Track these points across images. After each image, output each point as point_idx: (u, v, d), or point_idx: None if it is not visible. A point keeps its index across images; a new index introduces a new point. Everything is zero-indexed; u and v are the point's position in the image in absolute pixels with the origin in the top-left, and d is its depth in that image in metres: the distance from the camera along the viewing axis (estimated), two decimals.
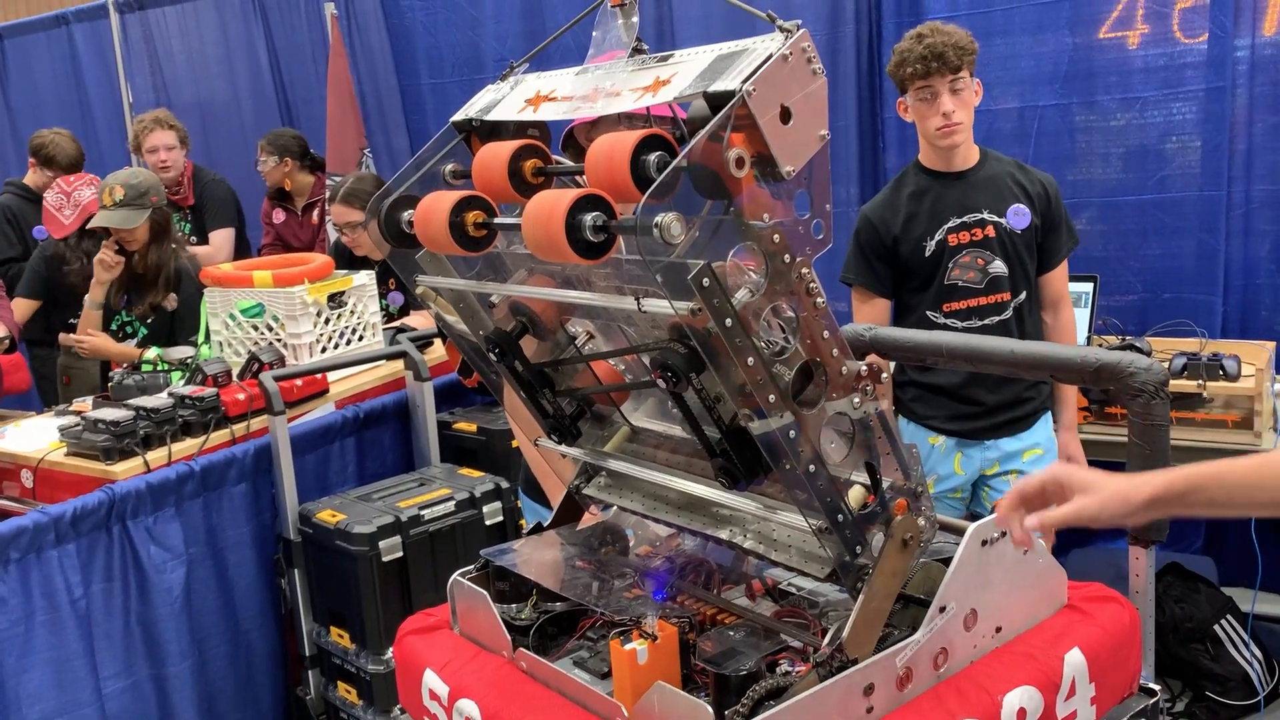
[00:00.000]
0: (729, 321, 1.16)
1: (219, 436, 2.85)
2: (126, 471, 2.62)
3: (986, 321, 2.63)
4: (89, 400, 3.09)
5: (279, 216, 4.96)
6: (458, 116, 1.54)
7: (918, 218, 2.59)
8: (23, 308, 4.01)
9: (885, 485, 1.38)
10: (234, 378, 2.97)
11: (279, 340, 3.19)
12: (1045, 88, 3.64)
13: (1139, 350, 2.94)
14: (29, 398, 4.39)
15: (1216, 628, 3.06)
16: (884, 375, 1.32)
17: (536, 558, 1.69)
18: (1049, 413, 2.73)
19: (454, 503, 2.81)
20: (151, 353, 3.20)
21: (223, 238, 4.73)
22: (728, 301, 1.16)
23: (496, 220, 1.36)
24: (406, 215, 1.46)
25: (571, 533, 1.81)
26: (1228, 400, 2.91)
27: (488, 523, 2.83)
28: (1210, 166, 3.43)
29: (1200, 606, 3.09)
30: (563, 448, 1.65)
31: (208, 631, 2.72)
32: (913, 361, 2.49)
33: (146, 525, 2.58)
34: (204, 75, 5.92)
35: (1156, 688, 1.63)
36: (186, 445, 2.78)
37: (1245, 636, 3.05)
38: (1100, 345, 3.15)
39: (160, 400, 2.76)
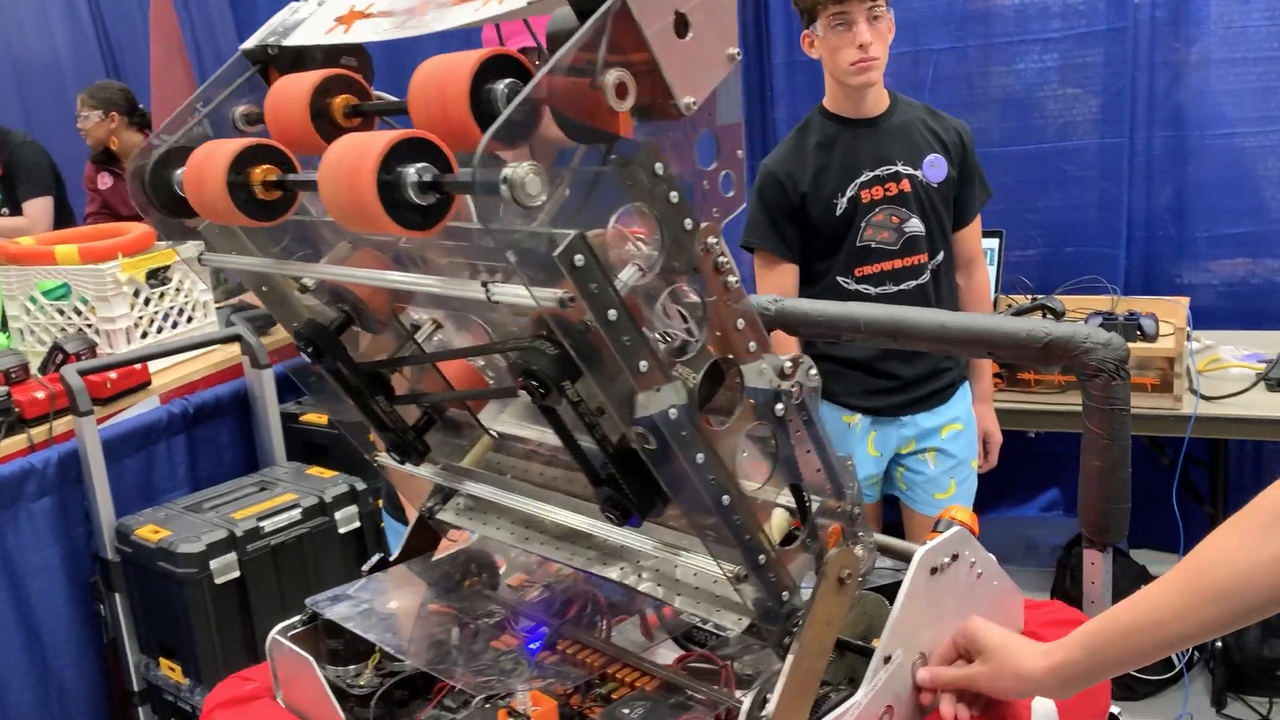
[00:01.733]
0: (612, 313, 0.84)
1: (14, 444, 2.40)
2: None
3: (903, 286, 2.37)
4: None
5: (105, 181, 4.41)
6: (250, 42, 1.18)
7: (828, 171, 2.30)
8: None
9: (815, 508, 1.09)
10: (32, 372, 2.52)
11: (89, 326, 2.74)
12: (940, 30, 3.40)
13: (1051, 310, 2.75)
14: None
15: None
16: (812, 372, 1.02)
17: (379, 604, 1.35)
18: (966, 383, 2.50)
19: (300, 510, 2.44)
20: None
21: (38, 208, 4.18)
22: (609, 286, 0.84)
23: (292, 177, 1.01)
24: (179, 174, 1.09)
25: (426, 565, 1.47)
26: (1141, 362, 2.73)
27: (341, 531, 2.47)
28: (1112, 112, 3.25)
29: (1114, 578, 2.93)
30: (407, 467, 1.31)
31: (6, 672, 2.30)
32: (826, 338, 2.22)
33: None
34: (15, 31, 5.25)
35: (1117, 709, 1.40)
36: None
37: None
38: (1010, 306, 2.95)
39: None
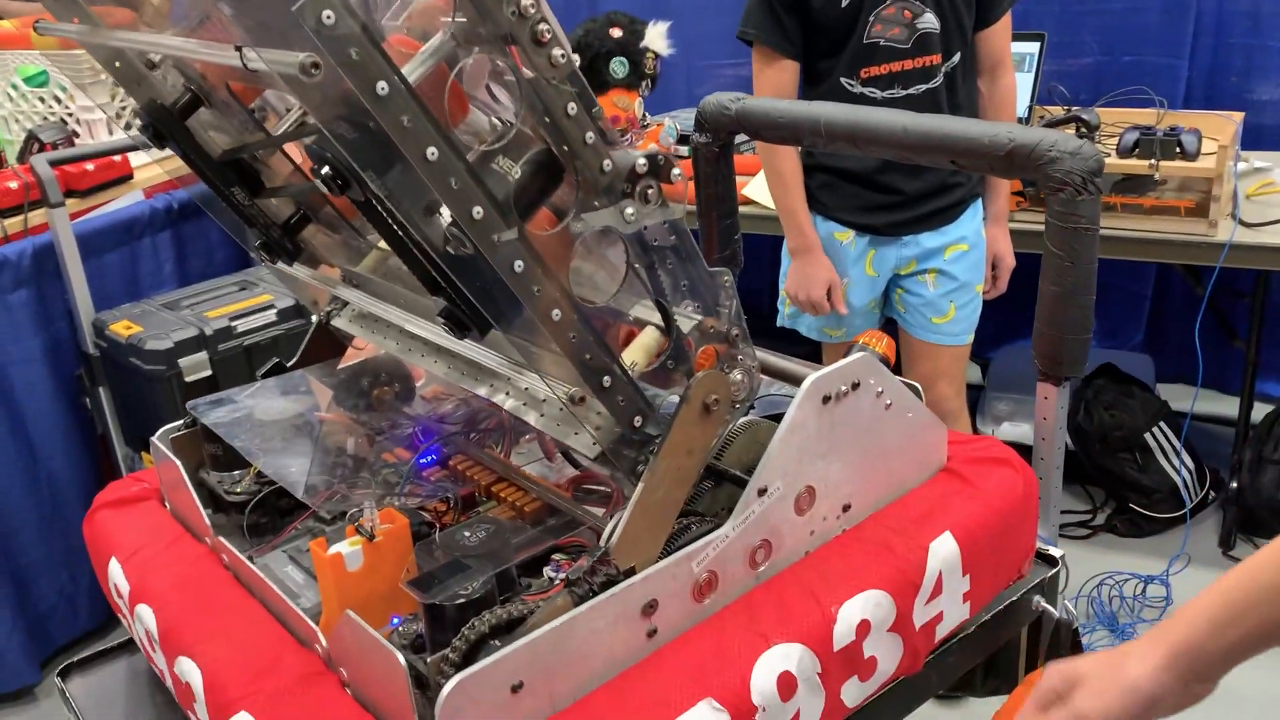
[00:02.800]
0: (382, 86, 0.71)
1: None
2: None
3: (911, 90, 2.15)
4: None
5: None
6: None
7: None
8: None
9: (689, 327, 0.98)
10: (7, 162, 2.46)
11: (70, 115, 2.65)
12: None
13: (1084, 123, 2.50)
14: None
15: (1148, 436, 2.78)
16: (675, 173, 0.88)
17: (261, 410, 1.28)
18: (979, 201, 2.30)
19: (275, 311, 2.39)
20: None
21: None
22: (375, 52, 0.70)
23: None
24: None
25: (331, 371, 1.40)
26: (1182, 183, 2.49)
27: None
28: None
29: (1133, 413, 2.80)
30: (280, 267, 1.22)
31: None
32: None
33: None
34: None
35: (1058, 553, 1.30)
36: None
37: (1178, 445, 2.77)
38: (1042, 117, 2.70)
39: None
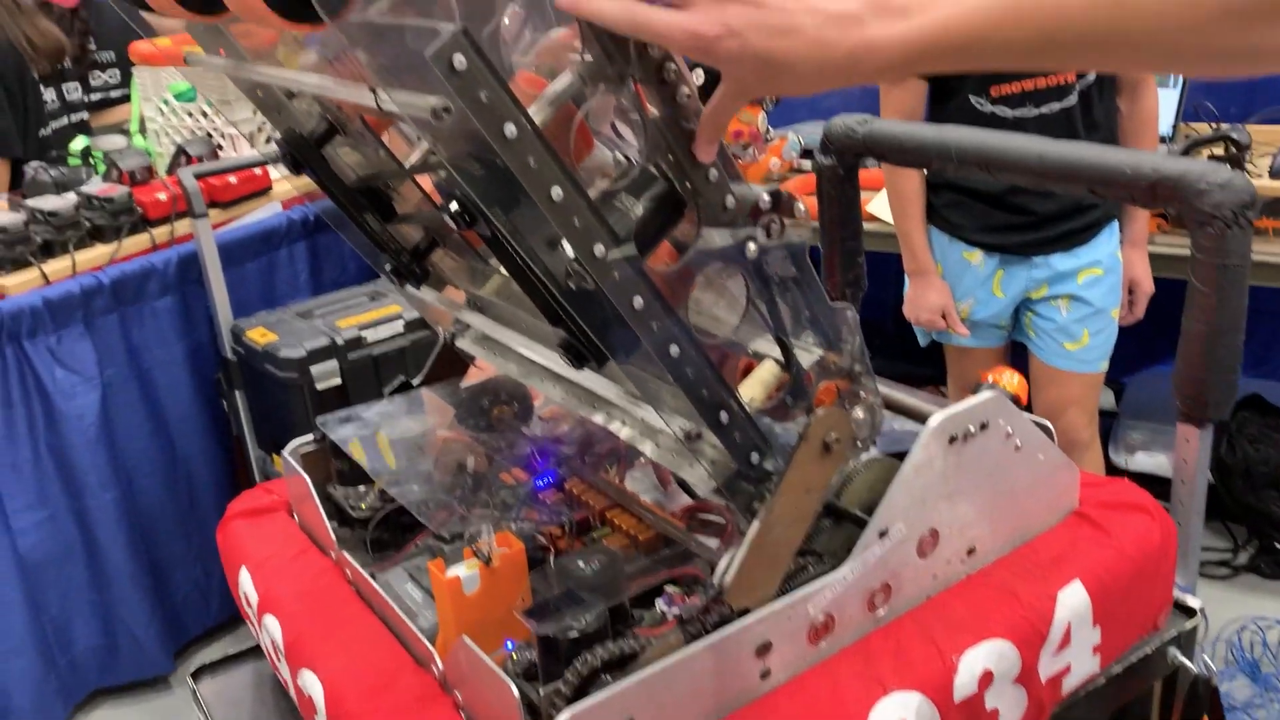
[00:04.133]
0: (510, 129, 0.72)
1: (137, 243, 2.49)
2: (19, 285, 2.29)
3: (1044, 109, 2.08)
4: (4, 198, 2.74)
5: None
6: None
7: None
8: None
9: (810, 363, 0.96)
10: (157, 174, 2.59)
11: (216, 130, 2.78)
12: None
13: (1234, 141, 2.37)
14: None
15: None
16: (798, 207, 0.87)
17: (388, 428, 1.31)
18: (1115, 223, 2.21)
19: (403, 322, 2.45)
20: (79, 142, 2.82)
21: None
22: (503, 94, 0.71)
23: None
24: None
25: (453, 390, 1.42)
26: None
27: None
28: None
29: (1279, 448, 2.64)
30: (408, 289, 1.25)
31: (135, 460, 2.46)
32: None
33: (48, 345, 2.28)
34: None
35: (1197, 604, 1.23)
36: (97, 253, 2.43)
37: None
38: (1188, 136, 2.58)
39: (62, 201, 2.40)
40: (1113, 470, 2.85)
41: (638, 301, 0.81)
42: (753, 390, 0.94)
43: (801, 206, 0.87)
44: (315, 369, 2.32)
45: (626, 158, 0.86)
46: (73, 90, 3.09)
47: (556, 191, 0.75)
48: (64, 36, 2.93)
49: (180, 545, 2.58)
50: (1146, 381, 3.14)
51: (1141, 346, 3.11)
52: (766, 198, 0.85)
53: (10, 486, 2.26)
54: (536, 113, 0.76)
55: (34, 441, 2.28)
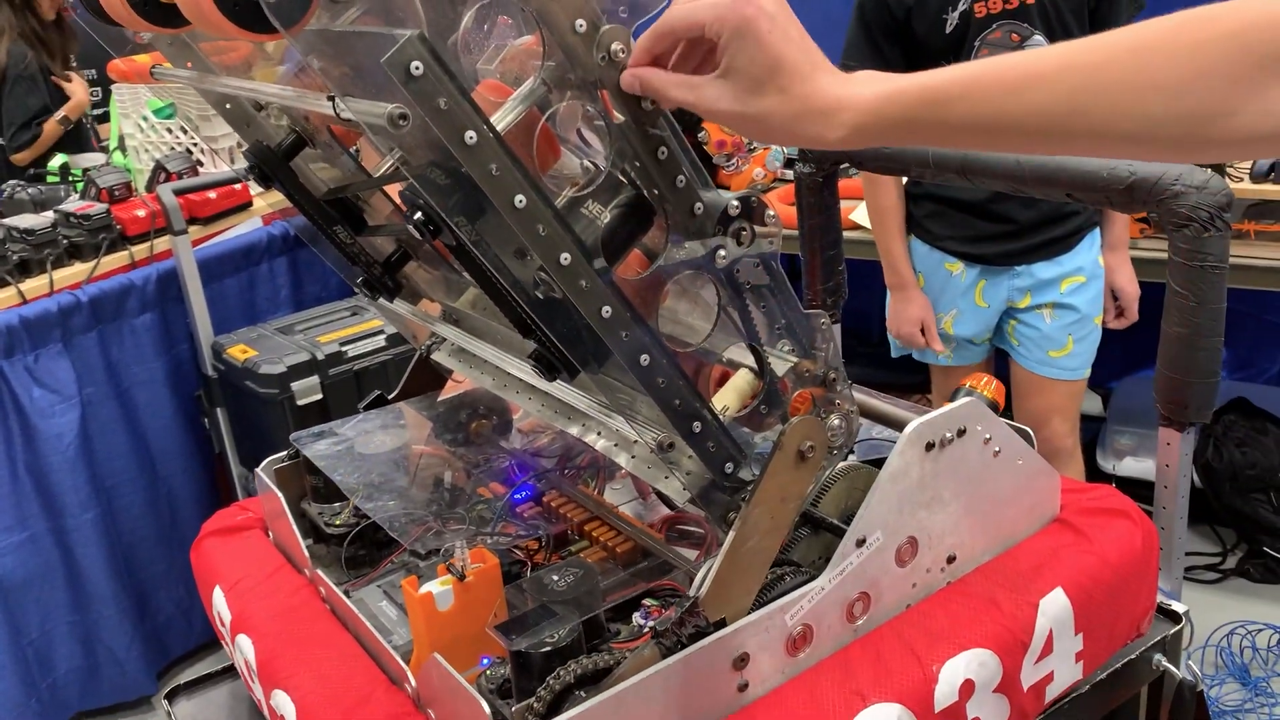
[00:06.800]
0: (470, 136, 0.71)
1: (116, 260, 2.48)
2: None
3: None
4: None
5: None
6: None
7: None
8: None
9: (784, 370, 0.95)
10: (136, 191, 2.57)
11: (195, 145, 2.76)
12: None
13: None
14: None
15: None
16: (769, 214, 0.86)
17: (362, 443, 1.30)
18: (1096, 230, 2.21)
19: (385, 337, 2.43)
20: (57, 160, 2.80)
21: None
22: (463, 101, 0.70)
23: None
24: None
25: (431, 404, 1.41)
26: None
27: None
28: None
29: (1266, 451, 2.64)
30: (381, 303, 1.23)
31: (116, 479, 2.44)
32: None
33: (26, 364, 2.25)
34: None
35: (1181, 608, 1.22)
36: (76, 271, 2.41)
37: None
38: None
39: (39, 219, 2.38)
40: (1100, 476, 2.85)
41: (606, 311, 0.80)
42: (726, 399, 0.93)
43: (772, 213, 0.86)
44: (296, 385, 2.31)
45: (594, 165, 0.85)
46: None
47: (520, 199, 0.74)
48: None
49: (162, 565, 2.56)
50: (1133, 386, 3.14)
51: (1128, 351, 3.11)
52: (736, 204, 0.84)
53: None
54: (500, 119, 0.75)
55: (12, 462, 2.26)
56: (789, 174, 3.08)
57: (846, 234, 1.75)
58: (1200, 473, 2.69)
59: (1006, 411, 1.10)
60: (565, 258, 0.77)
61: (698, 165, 0.82)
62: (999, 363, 2.36)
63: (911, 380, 2.77)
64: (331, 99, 0.73)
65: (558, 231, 0.76)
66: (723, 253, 0.85)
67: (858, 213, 2.71)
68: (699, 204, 0.83)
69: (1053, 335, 2.20)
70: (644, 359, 0.83)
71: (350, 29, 0.68)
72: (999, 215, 2.14)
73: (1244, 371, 3.17)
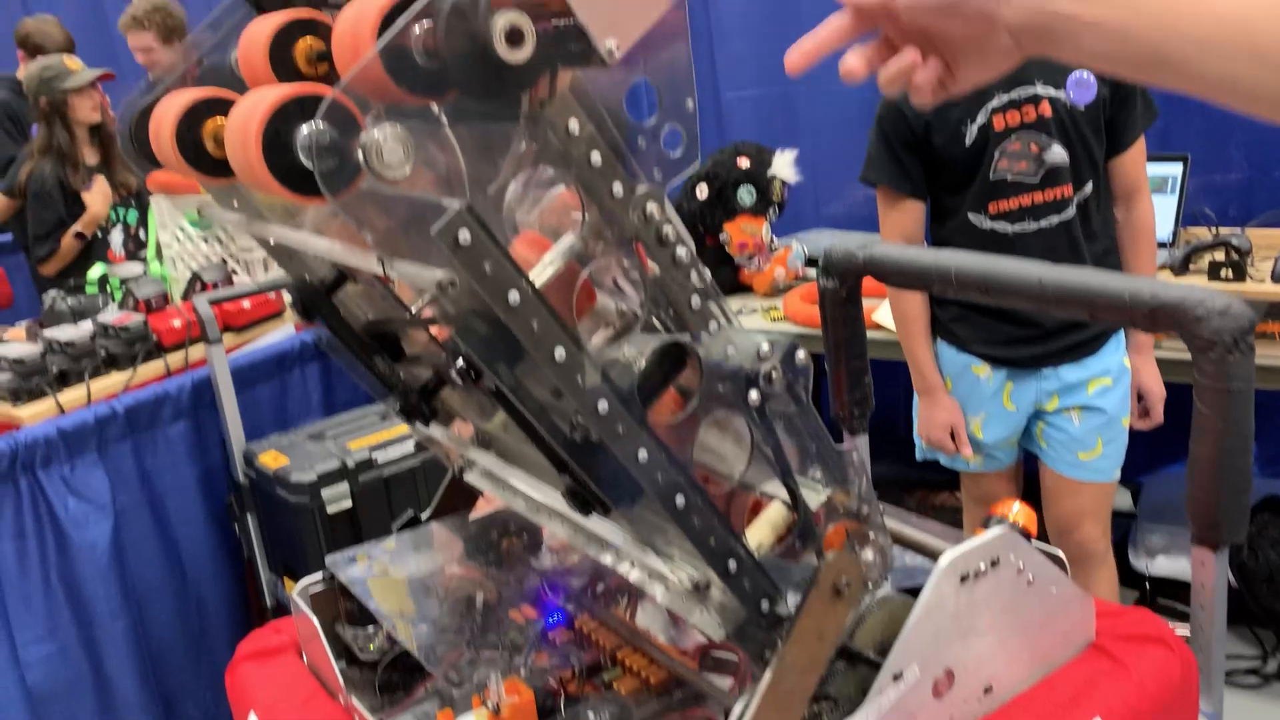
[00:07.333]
0: (514, 296, 0.73)
1: (153, 369, 2.52)
2: (35, 415, 2.31)
3: (1043, 223, 2.11)
4: (23, 326, 2.78)
5: None
6: None
7: None
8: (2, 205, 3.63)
9: (817, 504, 0.96)
10: (172, 301, 2.63)
11: (230, 256, 2.83)
12: None
13: (1234, 248, 2.40)
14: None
15: None
16: (799, 355, 0.88)
17: (396, 567, 1.31)
18: (1121, 332, 2.22)
19: (414, 442, 2.45)
20: (97, 270, 2.88)
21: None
22: (507, 263, 0.73)
23: None
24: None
25: (463, 524, 1.42)
26: None
27: None
28: None
29: None
30: (418, 426, 1.26)
31: (146, 587, 2.44)
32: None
33: (62, 475, 2.29)
34: None
35: None
36: (113, 381, 2.46)
37: None
38: (1188, 240, 2.60)
39: (78, 331, 2.44)
40: (1134, 576, 2.81)
41: (642, 454, 0.82)
42: (761, 534, 0.94)
43: (802, 354, 0.88)
44: (326, 492, 2.33)
45: (628, 309, 0.88)
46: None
47: (560, 352, 0.76)
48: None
49: (190, 674, 2.55)
50: (1163, 482, 3.11)
51: (1157, 446, 3.09)
52: (766, 346, 0.86)
53: (20, 619, 2.24)
54: (539, 273, 0.78)
55: (45, 572, 2.28)
56: (810, 272, 3.12)
57: (870, 335, 1.76)
58: (1236, 573, 2.65)
59: (1036, 510, 1.10)
60: (603, 405, 0.79)
61: (727, 311, 0.85)
62: (1027, 468, 2.35)
63: (939, 478, 2.75)
64: (381, 260, 0.76)
65: (595, 380, 0.78)
66: (755, 393, 0.87)
67: (880, 312, 2.73)
68: (731, 347, 0.85)
69: (1081, 438, 2.19)
70: (679, 500, 0.85)
71: (398, 194, 0.71)
72: (1025, 319, 2.15)
73: (1274, 468, 3.14)
